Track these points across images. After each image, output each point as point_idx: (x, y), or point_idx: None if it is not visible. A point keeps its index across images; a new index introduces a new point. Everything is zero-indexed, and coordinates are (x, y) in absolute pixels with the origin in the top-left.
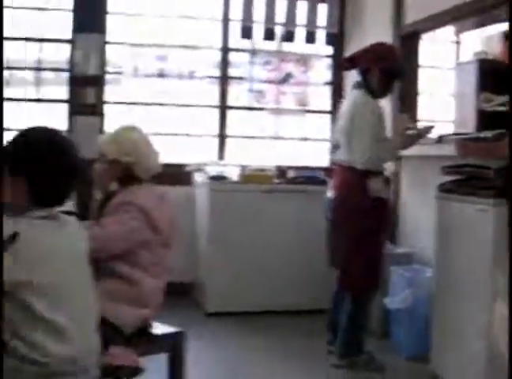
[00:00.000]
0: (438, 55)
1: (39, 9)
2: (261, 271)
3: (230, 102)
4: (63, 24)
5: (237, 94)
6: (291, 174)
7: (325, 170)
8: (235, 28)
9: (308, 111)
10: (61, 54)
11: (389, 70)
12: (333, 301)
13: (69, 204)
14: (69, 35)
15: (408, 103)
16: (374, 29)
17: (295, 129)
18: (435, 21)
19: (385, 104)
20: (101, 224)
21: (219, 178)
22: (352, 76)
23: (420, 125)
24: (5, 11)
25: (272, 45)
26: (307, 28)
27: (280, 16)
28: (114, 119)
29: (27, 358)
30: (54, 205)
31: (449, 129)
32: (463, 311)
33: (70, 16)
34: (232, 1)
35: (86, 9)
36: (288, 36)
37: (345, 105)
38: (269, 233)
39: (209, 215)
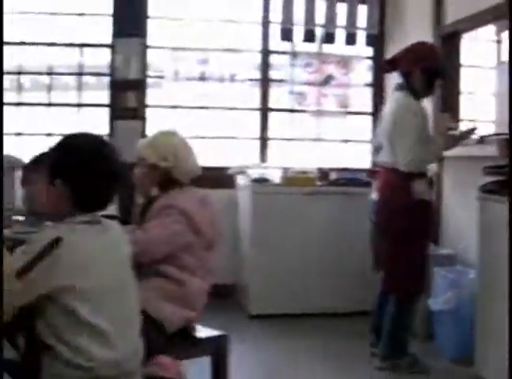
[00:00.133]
0: (479, 54)
1: (80, 14)
2: (303, 273)
3: (271, 104)
4: (104, 29)
5: (278, 96)
6: (333, 176)
7: (367, 171)
8: (275, 31)
9: (349, 113)
10: (102, 58)
11: (431, 69)
12: (378, 303)
13: (112, 209)
14: (109, 40)
15: (449, 103)
16: (414, 29)
17: (337, 130)
18: (476, 21)
19: (427, 104)
20: (143, 228)
21: (261, 181)
22: (393, 77)
23: (463, 125)
24: (47, 17)
25: (312, 47)
26: (347, 30)
27: (320, 17)
28: (155, 123)
29: (71, 363)
30: (97, 210)
31: (490, 129)
32: (507, 312)
33: (110, 21)
34: (272, 3)
35: (126, 14)
36: (328, 38)
37: (388, 107)
38: (312, 235)
39: (252, 217)
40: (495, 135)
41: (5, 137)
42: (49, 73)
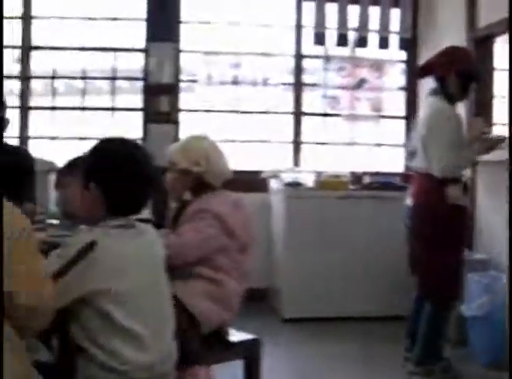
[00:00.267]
0: None
1: (113, 19)
2: (336, 277)
3: (304, 108)
4: (137, 34)
5: (311, 100)
6: (366, 180)
7: (400, 175)
8: (308, 35)
9: (382, 117)
10: (135, 63)
11: (466, 72)
12: (414, 308)
13: (146, 213)
14: (143, 45)
15: (483, 107)
16: (447, 33)
17: (370, 134)
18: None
19: (460, 108)
20: (177, 232)
21: (294, 185)
22: (427, 81)
23: (496, 129)
24: (81, 22)
25: (345, 51)
26: (380, 33)
27: (353, 21)
28: (188, 127)
29: (106, 366)
30: (131, 214)
31: None
32: None
33: (144, 25)
34: (305, 7)
35: (159, 19)
36: (361, 42)
37: (422, 113)
38: (345, 239)
39: (285, 221)
40: None
41: (39, 141)
42: (83, 78)
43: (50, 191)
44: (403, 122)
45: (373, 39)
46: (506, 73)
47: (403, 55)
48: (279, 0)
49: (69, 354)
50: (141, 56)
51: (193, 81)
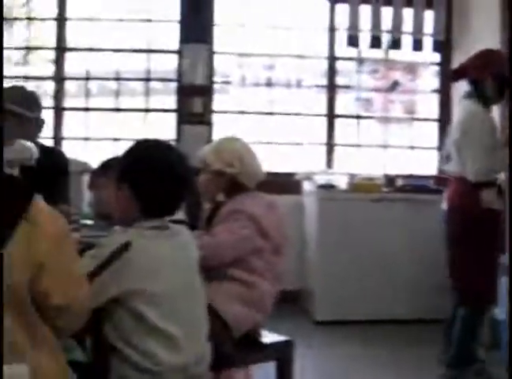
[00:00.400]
0: None
1: (147, 20)
2: (369, 279)
3: (337, 110)
4: (171, 35)
5: (344, 102)
6: (399, 182)
7: (433, 178)
8: (342, 37)
9: (416, 119)
10: (169, 64)
11: (501, 74)
12: (452, 312)
13: (180, 214)
14: (176, 46)
15: None
16: (481, 35)
17: (403, 137)
18: None
19: (494, 111)
20: (211, 233)
21: (327, 187)
22: (461, 84)
23: None
24: (115, 23)
25: (378, 53)
26: (414, 36)
27: (387, 23)
28: (222, 128)
29: (140, 367)
30: (165, 215)
31: None
32: None
33: (178, 27)
34: (338, 9)
35: (193, 21)
36: (395, 44)
37: (456, 116)
38: (378, 241)
39: (318, 223)
40: None
41: (73, 142)
42: (116, 79)
43: (84, 192)
44: (436, 125)
45: (406, 41)
46: None
47: (436, 57)
48: (312, 2)
49: (102, 354)
50: (174, 57)
51: (227, 83)
